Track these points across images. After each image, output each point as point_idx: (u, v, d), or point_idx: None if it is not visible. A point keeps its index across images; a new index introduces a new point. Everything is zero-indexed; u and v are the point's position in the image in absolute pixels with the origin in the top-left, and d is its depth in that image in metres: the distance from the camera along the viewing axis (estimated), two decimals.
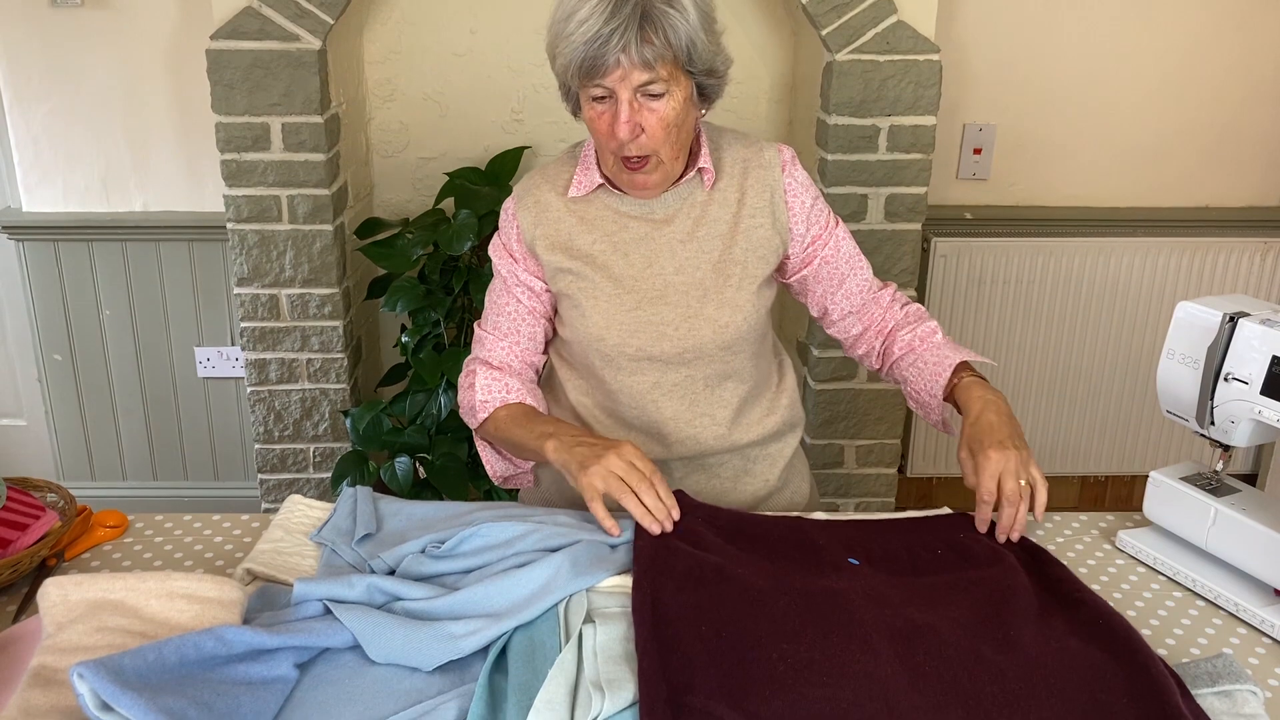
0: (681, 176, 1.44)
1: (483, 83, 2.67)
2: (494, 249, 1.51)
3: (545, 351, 1.55)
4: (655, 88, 1.29)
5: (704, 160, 1.43)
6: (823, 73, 2.43)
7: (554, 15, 1.32)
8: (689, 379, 1.44)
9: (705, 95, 1.38)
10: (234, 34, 2.30)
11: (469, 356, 1.54)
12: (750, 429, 1.49)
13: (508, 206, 1.49)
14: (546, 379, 1.59)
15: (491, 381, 1.48)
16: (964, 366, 1.44)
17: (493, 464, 1.54)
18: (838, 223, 1.52)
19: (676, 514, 1.24)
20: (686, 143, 1.39)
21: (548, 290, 1.49)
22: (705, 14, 1.32)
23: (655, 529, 1.21)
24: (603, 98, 1.31)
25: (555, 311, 1.51)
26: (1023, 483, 1.27)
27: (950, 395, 1.43)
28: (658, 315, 1.42)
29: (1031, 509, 1.27)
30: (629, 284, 1.43)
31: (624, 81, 1.28)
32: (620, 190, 1.43)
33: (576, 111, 1.39)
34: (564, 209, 1.45)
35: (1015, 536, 1.27)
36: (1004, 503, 1.27)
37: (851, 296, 1.53)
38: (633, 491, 1.23)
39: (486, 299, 1.54)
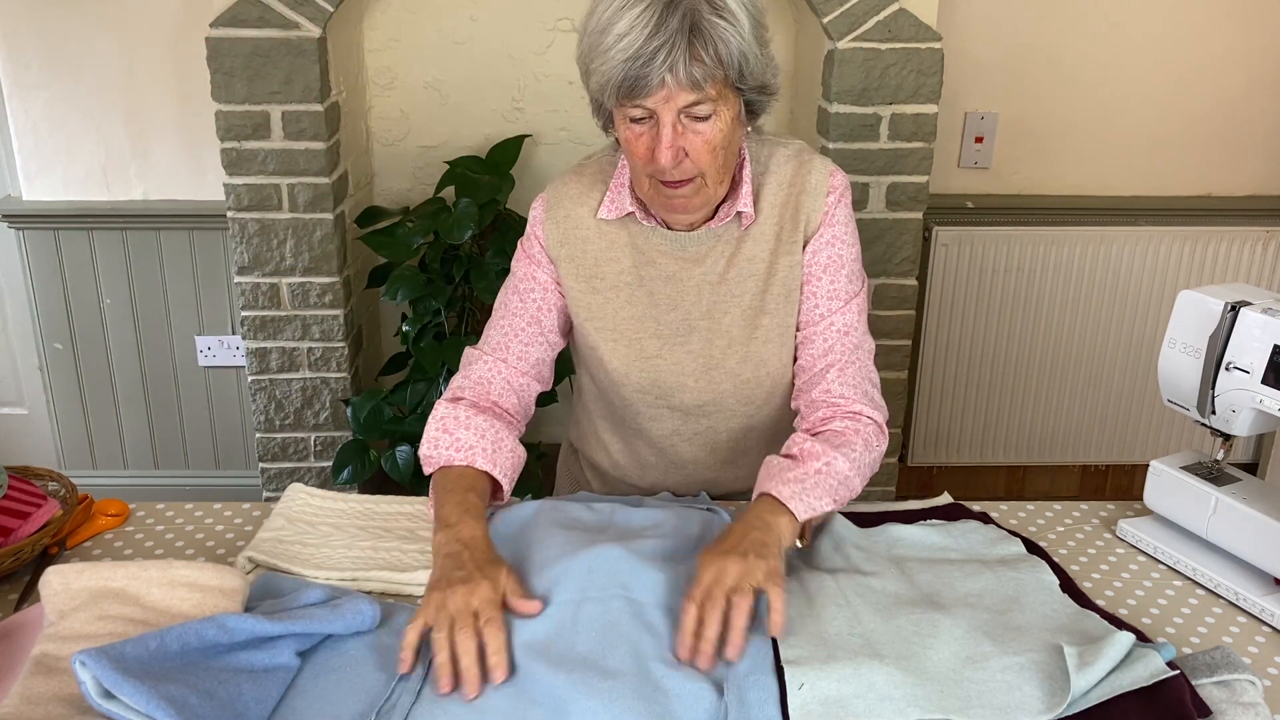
0: (715, 213, 1.31)
1: (483, 71, 2.66)
2: (519, 250, 1.39)
3: (543, 376, 1.40)
4: (701, 109, 1.16)
5: (743, 202, 1.29)
6: (824, 61, 2.42)
7: (587, 24, 1.17)
8: (710, 429, 1.37)
9: (753, 112, 1.25)
10: (234, 22, 2.29)
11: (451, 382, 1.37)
12: None
13: (536, 210, 1.37)
14: (576, 398, 1.52)
15: (440, 434, 1.28)
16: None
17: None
18: (848, 300, 1.32)
19: (474, 686, 0.99)
20: (732, 164, 1.27)
21: (560, 292, 1.37)
22: (757, 22, 1.18)
23: (444, 686, 0.99)
24: (642, 119, 1.18)
25: (570, 325, 1.40)
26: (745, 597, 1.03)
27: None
28: (678, 365, 1.34)
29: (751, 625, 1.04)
30: (651, 326, 1.33)
31: (668, 103, 1.15)
32: (652, 219, 1.31)
33: (607, 127, 1.26)
34: (593, 229, 1.34)
35: (704, 664, 1.00)
36: (702, 617, 1.02)
37: (811, 388, 1.32)
38: (449, 637, 1.02)
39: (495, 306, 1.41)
